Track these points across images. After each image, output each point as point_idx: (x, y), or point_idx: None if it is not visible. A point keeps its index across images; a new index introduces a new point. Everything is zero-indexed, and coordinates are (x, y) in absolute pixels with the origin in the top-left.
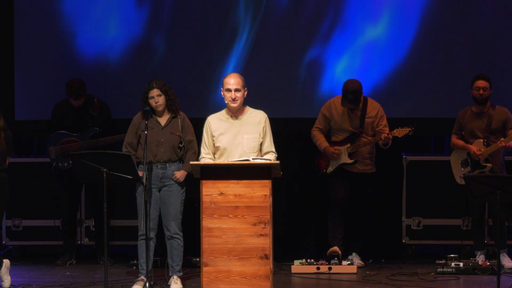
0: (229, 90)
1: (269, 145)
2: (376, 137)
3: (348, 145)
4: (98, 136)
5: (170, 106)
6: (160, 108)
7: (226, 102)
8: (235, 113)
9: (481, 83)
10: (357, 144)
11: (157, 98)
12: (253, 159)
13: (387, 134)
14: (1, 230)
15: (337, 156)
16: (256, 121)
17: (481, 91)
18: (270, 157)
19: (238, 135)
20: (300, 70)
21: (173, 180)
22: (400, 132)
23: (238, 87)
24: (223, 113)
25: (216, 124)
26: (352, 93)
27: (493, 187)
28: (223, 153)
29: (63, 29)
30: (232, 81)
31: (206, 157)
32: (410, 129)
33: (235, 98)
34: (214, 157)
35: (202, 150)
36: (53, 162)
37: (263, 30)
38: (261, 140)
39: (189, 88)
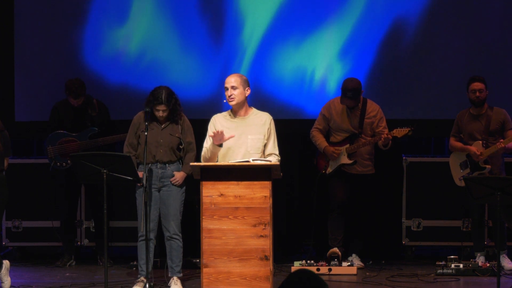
0: (226, 88)
1: (272, 147)
2: (375, 137)
3: (347, 145)
4: (97, 136)
5: (173, 117)
6: (163, 120)
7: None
8: (238, 112)
9: (476, 85)
10: (356, 144)
11: (162, 112)
12: (253, 160)
13: (387, 134)
14: (1, 231)
15: (337, 156)
16: (261, 122)
17: (477, 93)
18: (272, 159)
19: (243, 135)
20: (300, 71)
21: (172, 183)
22: (399, 132)
23: (235, 85)
24: (228, 113)
25: (222, 122)
26: (351, 91)
27: (493, 188)
28: (227, 153)
29: (63, 29)
30: (229, 79)
31: (207, 146)
32: (409, 129)
33: (230, 95)
34: (218, 155)
35: (205, 144)
36: (51, 162)
37: (265, 32)
38: (265, 141)
39: (191, 89)
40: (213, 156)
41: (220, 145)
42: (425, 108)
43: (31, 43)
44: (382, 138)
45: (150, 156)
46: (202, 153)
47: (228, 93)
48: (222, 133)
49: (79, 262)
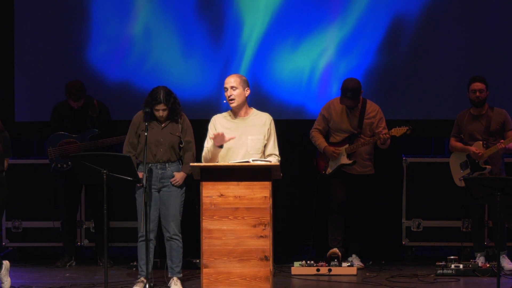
0: (226, 89)
1: (272, 147)
2: (374, 137)
3: (347, 145)
4: (97, 137)
5: (173, 116)
6: (163, 119)
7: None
8: (238, 113)
9: (477, 85)
10: (355, 144)
11: (162, 112)
12: (253, 160)
13: (385, 133)
14: (1, 231)
15: (337, 156)
16: (261, 122)
17: (477, 93)
18: (272, 160)
19: (243, 135)
20: (299, 71)
21: (172, 184)
22: (398, 131)
23: (234, 85)
24: (228, 113)
25: (222, 123)
26: (351, 91)
27: (493, 188)
28: (227, 153)
29: (63, 30)
30: (228, 80)
31: (208, 146)
32: (407, 127)
33: (230, 96)
34: (218, 156)
35: (205, 144)
36: (52, 163)
37: (265, 32)
38: (266, 142)
39: (191, 89)
40: (213, 157)
41: (221, 146)
42: (425, 108)
43: (31, 43)
44: (381, 137)
45: (151, 156)
46: (203, 153)
47: (227, 93)
48: (222, 135)
49: (79, 263)
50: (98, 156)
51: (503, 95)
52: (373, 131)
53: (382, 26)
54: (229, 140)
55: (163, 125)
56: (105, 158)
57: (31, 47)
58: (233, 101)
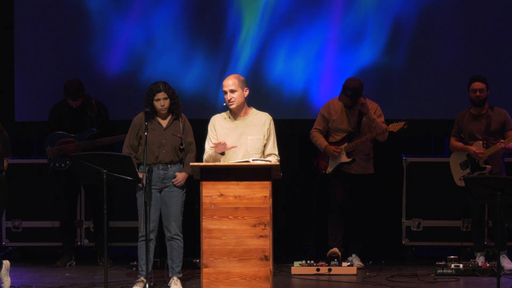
0: (225, 92)
1: (272, 147)
2: (372, 133)
3: (346, 144)
4: (96, 137)
5: (174, 110)
6: (165, 111)
7: None
8: (237, 113)
9: (477, 85)
10: (354, 142)
11: (163, 101)
12: (253, 160)
13: (383, 122)
14: (1, 231)
15: (338, 154)
16: (261, 122)
17: (477, 93)
18: (272, 160)
19: (242, 135)
20: (298, 70)
21: (173, 184)
22: (395, 126)
23: (233, 87)
24: (228, 114)
25: (221, 123)
26: (351, 90)
27: (493, 188)
28: (227, 153)
29: (63, 30)
30: (227, 83)
31: (209, 152)
32: (404, 122)
33: (230, 99)
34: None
35: (206, 145)
36: (50, 162)
37: (264, 32)
38: (265, 141)
39: (189, 88)
40: (215, 162)
41: (223, 153)
42: (425, 108)
43: (31, 43)
44: (381, 130)
45: (153, 157)
46: (205, 156)
47: (227, 96)
48: (224, 143)
49: (79, 262)
50: (98, 156)
51: (503, 95)
52: (371, 129)
53: (382, 26)
54: (231, 148)
55: (165, 125)
56: (105, 158)
57: (31, 47)
58: (232, 104)
